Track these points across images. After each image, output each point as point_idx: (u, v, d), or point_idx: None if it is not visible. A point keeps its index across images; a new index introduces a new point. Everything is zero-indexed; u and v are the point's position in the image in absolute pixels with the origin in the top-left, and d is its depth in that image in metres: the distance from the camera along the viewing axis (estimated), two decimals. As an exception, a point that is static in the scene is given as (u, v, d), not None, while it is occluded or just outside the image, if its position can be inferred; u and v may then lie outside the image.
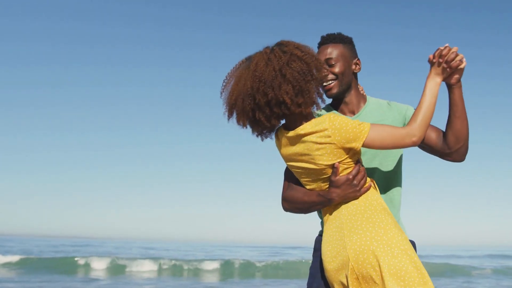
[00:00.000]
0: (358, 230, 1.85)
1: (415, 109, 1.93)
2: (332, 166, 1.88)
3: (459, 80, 1.95)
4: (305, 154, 1.89)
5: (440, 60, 1.92)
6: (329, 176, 1.91)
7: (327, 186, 1.94)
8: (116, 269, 15.17)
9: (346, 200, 1.92)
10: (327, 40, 2.17)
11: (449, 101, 2.00)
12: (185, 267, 15.90)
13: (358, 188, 1.91)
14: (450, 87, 1.97)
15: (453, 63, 1.90)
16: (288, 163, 2.00)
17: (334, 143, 1.84)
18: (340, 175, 1.90)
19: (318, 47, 2.18)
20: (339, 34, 2.19)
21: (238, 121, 1.90)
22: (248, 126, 1.91)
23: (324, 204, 1.96)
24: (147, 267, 15.53)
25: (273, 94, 1.79)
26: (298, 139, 1.89)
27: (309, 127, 1.86)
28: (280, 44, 1.88)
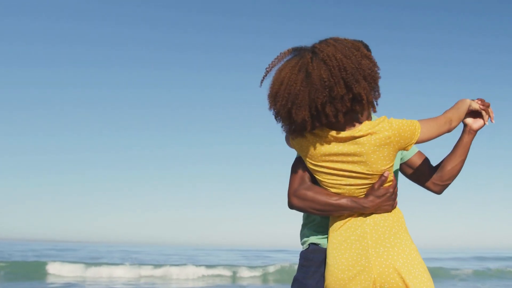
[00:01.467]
0: (386, 243, 1.84)
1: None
2: (381, 174, 1.86)
3: (480, 128, 2.08)
4: (355, 155, 1.83)
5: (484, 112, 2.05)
6: (371, 184, 1.88)
7: (362, 193, 1.90)
8: (82, 274, 14.71)
9: (378, 211, 1.90)
10: None
11: (460, 142, 2.11)
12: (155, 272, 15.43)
13: (394, 203, 1.92)
14: (467, 130, 2.08)
15: (492, 119, 2.06)
16: (319, 163, 1.89)
17: (393, 145, 1.82)
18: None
19: None
20: None
21: (296, 114, 1.77)
22: (301, 121, 1.78)
23: (353, 211, 1.91)
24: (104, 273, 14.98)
25: (355, 88, 1.73)
26: (350, 139, 1.82)
27: (366, 128, 1.82)
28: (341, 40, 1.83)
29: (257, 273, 16.19)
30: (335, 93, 1.73)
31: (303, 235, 2.20)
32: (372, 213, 1.91)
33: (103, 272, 14.96)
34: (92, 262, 16.78)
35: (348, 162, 1.85)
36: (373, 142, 1.81)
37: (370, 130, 1.81)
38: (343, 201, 1.90)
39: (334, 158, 1.86)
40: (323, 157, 1.88)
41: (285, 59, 1.84)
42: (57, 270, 14.94)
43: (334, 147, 1.85)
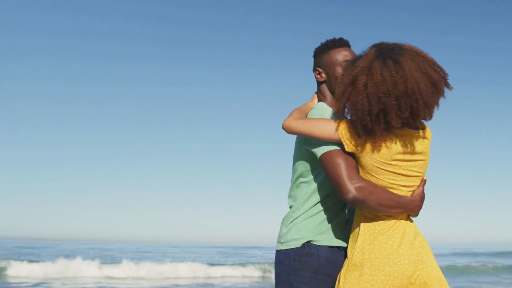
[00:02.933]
0: (430, 256, 1.96)
1: None
2: (423, 177, 2.01)
3: None
4: (422, 155, 1.97)
5: None
6: (415, 186, 1.99)
7: (409, 195, 1.98)
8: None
9: (409, 214, 2.01)
10: (343, 43, 2.25)
11: None
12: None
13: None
14: None
15: None
16: (388, 161, 1.94)
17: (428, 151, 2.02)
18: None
19: (332, 48, 2.23)
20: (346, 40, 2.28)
21: (418, 111, 1.88)
22: (404, 117, 1.88)
23: (406, 211, 1.96)
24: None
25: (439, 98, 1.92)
26: (423, 138, 1.98)
27: (428, 129, 2.01)
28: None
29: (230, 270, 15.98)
30: (427, 101, 1.88)
31: (296, 230, 2.09)
32: (402, 219, 1.99)
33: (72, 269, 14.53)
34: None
35: (415, 161, 1.96)
36: (429, 143, 1.99)
37: (430, 133, 2.01)
38: (405, 199, 1.94)
39: (406, 157, 1.94)
40: (396, 155, 1.94)
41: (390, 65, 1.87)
42: (18, 270, 14.51)
43: (409, 146, 1.94)
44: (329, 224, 2.09)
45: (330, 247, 2.06)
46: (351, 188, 1.88)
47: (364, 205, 1.90)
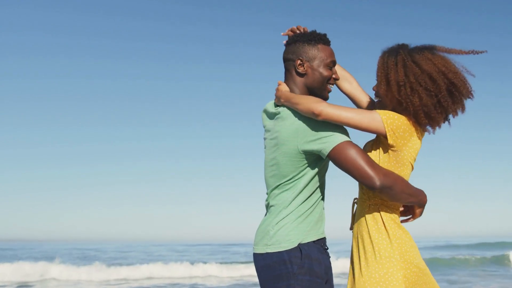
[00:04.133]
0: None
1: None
2: None
3: None
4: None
5: None
6: None
7: None
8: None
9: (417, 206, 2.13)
10: (329, 42, 2.16)
11: None
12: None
13: None
14: None
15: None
16: (415, 159, 2.09)
17: None
18: None
19: (320, 43, 2.13)
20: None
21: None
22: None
23: (417, 202, 2.04)
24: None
25: None
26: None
27: None
28: None
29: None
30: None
31: (287, 231, 1.99)
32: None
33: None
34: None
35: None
36: None
37: None
38: (419, 190, 2.05)
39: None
40: (417, 154, 2.11)
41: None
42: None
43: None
44: (317, 222, 2.04)
45: (314, 242, 2.01)
46: (379, 175, 1.85)
47: (392, 192, 1.89)
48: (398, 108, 2.05)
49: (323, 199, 2.12)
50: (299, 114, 2.01)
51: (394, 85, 2.03)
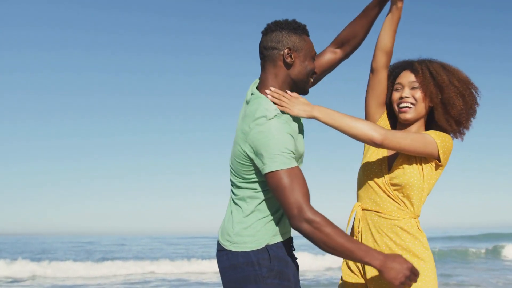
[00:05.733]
0: None
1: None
2: None
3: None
4: None
5: None
6: None
7: None
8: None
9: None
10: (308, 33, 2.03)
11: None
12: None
13: None
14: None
15: None
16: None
17: None
18: None
19: (304, 35, 2.00)
20: None
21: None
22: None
23: (351, 259, 1.85)
24: None
25: None
26: None
27: None
28: None
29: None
30: None
31: (254, 230, 1.88)
32: None
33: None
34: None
35: None
36: None
37: None
38: (358, 246, 1.79)
39: None
40: None
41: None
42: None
43: None
44: (285, 220, 1.93)
45: (283, 243, 1.92)
46: (308, 211, 1.72)
47: (313, 238, 1.73)
48: (430, 116, 2.25)
49: None
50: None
51: (435, 89, 2.16)
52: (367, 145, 2.27)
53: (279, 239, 1.91)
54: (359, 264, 2.18)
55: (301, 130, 2.01)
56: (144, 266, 14.43)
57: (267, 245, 1.87)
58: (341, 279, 2.26)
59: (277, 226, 1.91)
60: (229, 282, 1.91)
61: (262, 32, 2.01)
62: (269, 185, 1.80)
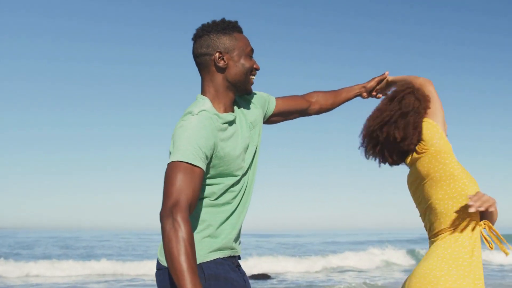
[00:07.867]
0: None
1: None
2: None
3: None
4: None
5: None
6: None
7: None
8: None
9: None
10: (242, 28, 1.95)
11: (355, 96, 2.49)
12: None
13: None
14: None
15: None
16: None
17: None
18: None
19: (236, 32, 1.91)
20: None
21: None
22: None
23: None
24: None
25: None
26: None
27: None
28: None
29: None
30: None
31: (207, 245, 1.75)
32: None
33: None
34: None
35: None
36: None
37: None
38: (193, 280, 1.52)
39: None
40: None
41: None
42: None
43: None
44: (226, 235, 1.79)
45: (223, 259, 1.78)
46: (169, 209, 1.57)
47: (163, 235, 1.57)
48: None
49: (237, 207, 1.84)
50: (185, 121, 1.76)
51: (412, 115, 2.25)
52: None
53: (217, 255, 1.76)
54: None
55: (238, 134, 1.88)
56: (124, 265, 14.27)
57: (201, 263, 1.71)
58: None
59: (215, 240, 1.76)
60: None
61: (192, 39, 1.93)
62: (165, 175, 1.68)
